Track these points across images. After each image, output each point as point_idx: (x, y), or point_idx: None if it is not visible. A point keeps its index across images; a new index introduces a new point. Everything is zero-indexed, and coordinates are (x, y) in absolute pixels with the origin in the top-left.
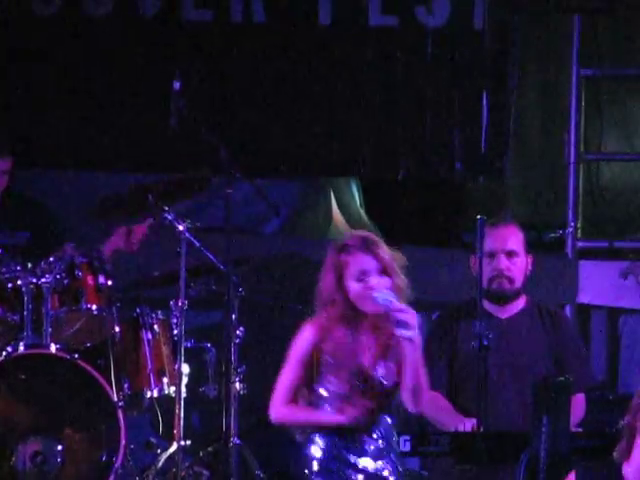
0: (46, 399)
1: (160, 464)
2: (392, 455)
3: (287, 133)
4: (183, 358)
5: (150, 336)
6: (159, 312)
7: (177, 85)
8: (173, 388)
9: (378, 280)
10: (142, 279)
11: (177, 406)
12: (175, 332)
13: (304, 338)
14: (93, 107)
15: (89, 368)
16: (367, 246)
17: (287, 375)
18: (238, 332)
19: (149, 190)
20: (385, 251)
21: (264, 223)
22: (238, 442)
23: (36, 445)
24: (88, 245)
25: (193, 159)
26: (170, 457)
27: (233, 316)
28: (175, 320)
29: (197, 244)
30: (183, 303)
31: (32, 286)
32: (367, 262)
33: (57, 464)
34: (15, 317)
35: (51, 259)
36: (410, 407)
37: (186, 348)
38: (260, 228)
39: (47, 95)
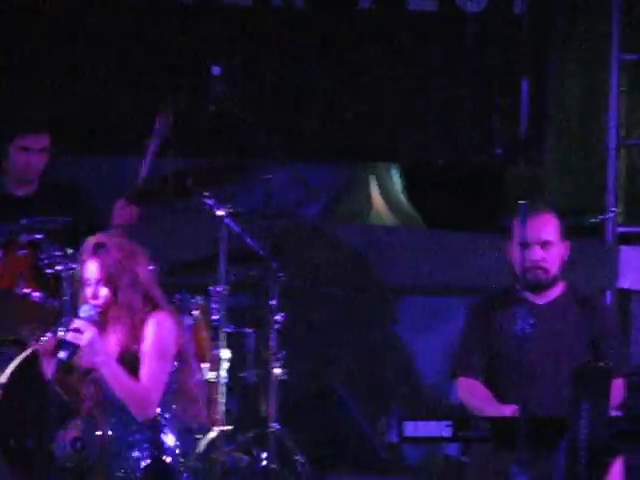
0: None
1: (201, 449)
2: None
3: (327, 118)
4: (223, 343)
5: (190, 322)
6: (199, 297)
7: (217, 70)
8: (213, 373)
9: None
10: (180, 264)
11: (217, 391)
12: (215, 317)
13: None
14: (133, 92)
15: None
16: (94, 252)
17: None
18: (278, 317)
19: (189, 175)
20: (114, 256)
21: (304, 208)
22: (278, 427)
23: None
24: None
25: (232, 144)
26: (211, 442)
27: (273, 301)
28: (215, 305)
29: (237, 229)
30: (223, 288)
31: (72, 271)
32: (89, 270)
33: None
34: (55, 302)
35: None
36: (138, 417)
37: (226, 333)
38: (300, 213)
39: (85, 80)
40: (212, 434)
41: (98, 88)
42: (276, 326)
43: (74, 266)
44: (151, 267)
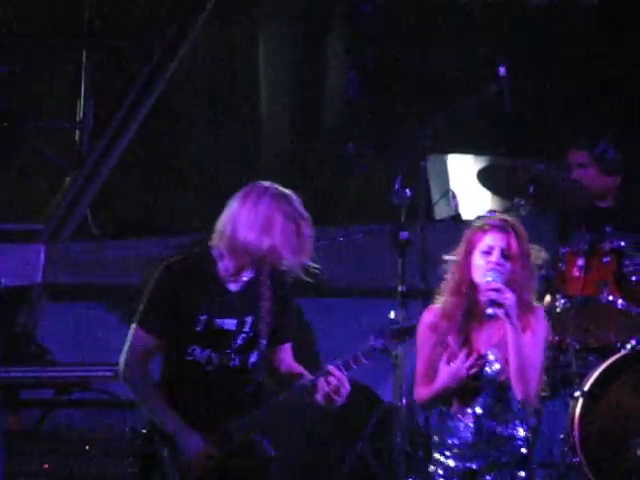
0: None
1: None
2: None
3: None
4: None
5: None
6: None
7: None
8: None
9: (499, 260)
10: None
11: None
12: None
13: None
14: None
15: None
16: (503, 227)
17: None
18: None
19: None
20: (519, 239)
21: None
22: None
23: None
24: None
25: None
26: None
27: None
28: None
29: None
30: None
31: None
32: (496, 240)
33: None
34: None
35: None
36: (518, 395)
37: None
38: None
39: None
40: None
41: None
42: None
43: None
44: None
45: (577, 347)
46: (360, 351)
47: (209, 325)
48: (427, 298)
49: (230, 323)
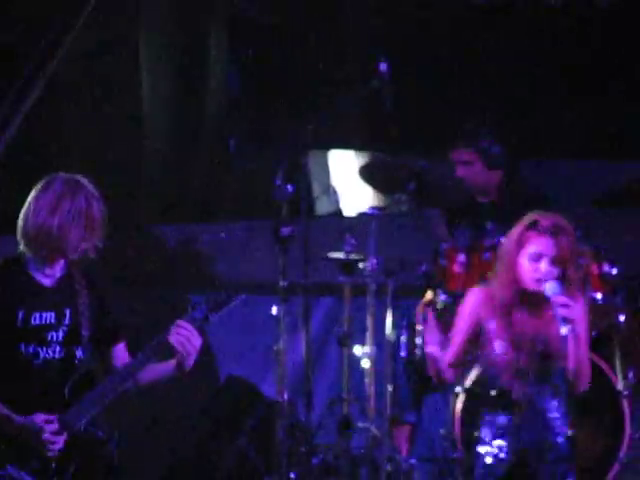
0: None
1: None
2: None
3: None
4: None
5: None
6: None
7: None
8: None
9: (548, 267)
10: None
11: None
12: None
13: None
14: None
15: (594, 357)
16: (554, 232)
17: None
18: None
19: None
20: (570, 242)
21: None
22: None
23: None
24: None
25: None
26: None
27: None
28: None
29: None
30: None
31: None
32: (546, 246)
33: None
34: None
35: None
36: (578, 388)
37: None
38: None
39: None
40: None
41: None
42: None
43: None
44: None
45: None
46: (183, 319)
47: (28, 320)
48: (308, 293)
49: (48, 316)
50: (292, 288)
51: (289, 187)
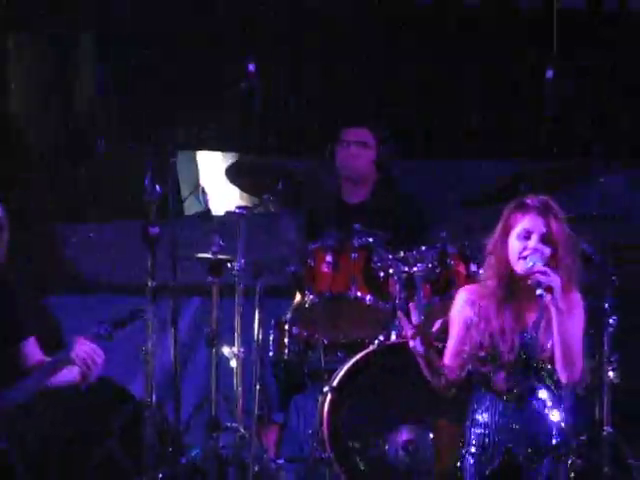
0: (418, 388)
1: None
2: None
3: None
4: None
5: None
6: None
7: (550, 74)
8: None
9: (537, 245)
10: None
11: None
12: None
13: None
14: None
15: None
16: (543, 210)
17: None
18: (611, 321)
19: (523, 179)
20: (560, 223)
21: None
22: (611, 431)
23: (408, 434)
24: (461, 233)
25: (567, 149)
26: None
27: (606, 304)
28: None
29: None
30: None
31: (404, 275)
32: (535, 223)
33: (429, 453)
34: (387, 306)
35: (423, 248)
36: (562, 377)
37: None
38: (634, 218)
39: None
40: None
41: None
42: (609, 329)
43: (406, 269)
44: None
45: (326, 343)
46: (86, 336)
47: None
48: (177, 293)
49: None
50: (161, 289)
51: (158, 188)
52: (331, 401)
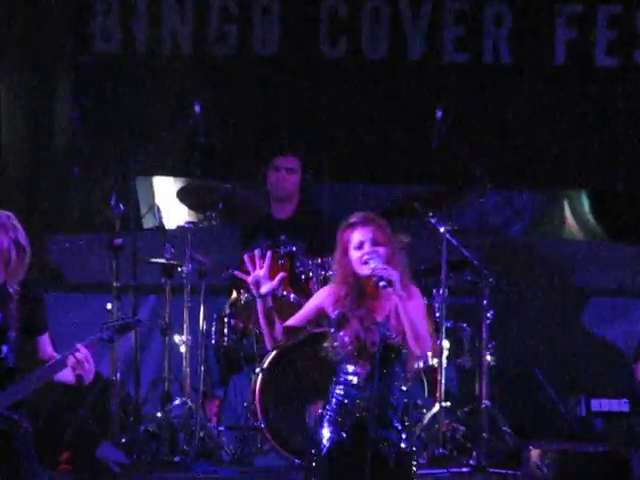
0: (332, 369)
1: (425, 421)
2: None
3: (530, 154)
4: (444, 335)
5: None
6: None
7: (439, 114)
8: (436, 360)
9: (371, 248)
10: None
11: (439, 375)
12: (437, 314)
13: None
14: (369, 130)
15: None
16: (366, 222)
17: None
18: (489, 314)
19: (417, 198)
20: (382, 226)
21: (510, 226)
22: (489, 403)
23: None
24: None
25: (452, 174)
26: (433, 415)
27: (485, 301)
28: (437, 305)
29: (455, 243)
30: (444, 291)
31: (321, 277)
32: (364, 233)
33: None
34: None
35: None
36: (416, 351)
37: (446, 327)
38: (507, 230)
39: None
40: (434, 409)
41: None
42: (487, 321)
43: (323, 272)
44: None
45: (258, 333)
46: (91, 339)
47: None
48: (137, 292)
49: None
50: (123, 288)
51: (121, 206)
52: (262, 380)
